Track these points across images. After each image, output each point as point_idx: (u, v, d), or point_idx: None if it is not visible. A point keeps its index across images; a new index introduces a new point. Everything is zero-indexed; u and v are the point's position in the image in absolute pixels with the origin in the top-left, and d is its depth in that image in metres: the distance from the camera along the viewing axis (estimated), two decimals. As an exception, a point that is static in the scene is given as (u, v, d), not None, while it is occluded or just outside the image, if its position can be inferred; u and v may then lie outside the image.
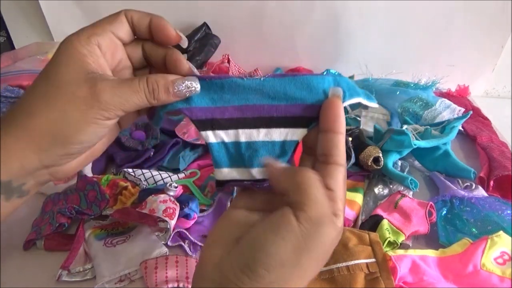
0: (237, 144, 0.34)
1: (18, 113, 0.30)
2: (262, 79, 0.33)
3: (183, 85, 0.32)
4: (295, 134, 0.34)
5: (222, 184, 0.34)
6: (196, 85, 0.32)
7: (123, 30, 0.33)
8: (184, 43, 0.35)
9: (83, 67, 0.30)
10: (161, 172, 0.72)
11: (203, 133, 0.34)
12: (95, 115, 0.29)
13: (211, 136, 0.34)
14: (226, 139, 0.34)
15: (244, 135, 0.34)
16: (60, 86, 0.29)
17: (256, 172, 0.33)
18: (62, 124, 0.29)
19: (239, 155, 0.34)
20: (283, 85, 0.33)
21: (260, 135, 0.34)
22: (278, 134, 0.34)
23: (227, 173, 0.34)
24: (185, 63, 0.34)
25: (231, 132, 0.34)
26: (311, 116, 0.33)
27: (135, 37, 0.35)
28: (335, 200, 0.29)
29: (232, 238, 0.30)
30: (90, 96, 0.29)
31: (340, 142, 0.31)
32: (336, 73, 1.05)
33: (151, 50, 0.35)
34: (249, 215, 0.33)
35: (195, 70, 0.34)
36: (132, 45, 0.35)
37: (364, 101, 0.35)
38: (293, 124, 0.33)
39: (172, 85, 0.32)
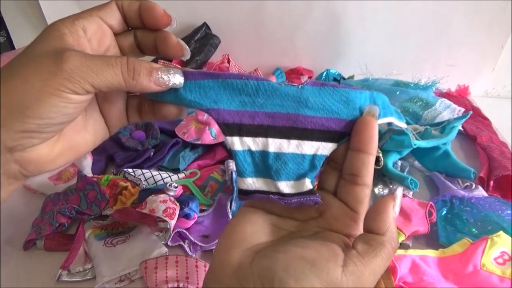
0: (264, 153, 0.32)
1: None
2: (300, 86, 0.31)
3: (167, 75, 0.29)
4: (326, 148, 0.32)
5: (246, 194, 0.32)
6: (180, 78, 0.30)
7: (113, 16, 0.31)
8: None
9: (59, 42, 0.28)
10: (161, 172, 0.72)
11: (229, 138, 0.32)
12: (57, 85, 0.26)
13: (237, 143, 0.32)
14: (254, 148, 0.32)
15: (274, 144, 0.32)
16: (28, 58, 0.27)
17: (283, 186, 0.31)
18: (20, 93, 0.26)
19: (266, 165, 0.32)
20: (322, 96, 0.31)
21: (290, 146, 0.31)
22: (309, 147, 0.32)
23: (251, 183, 0.32)
24: (174, 38, 0.32)
25: (260, 140, 0.32)
26: (344, 132, 0.31)
27: (129, 28, 0.33)
28: (358, 222, 0.30)
29: (255, 244, 0.29)
30: (55, 64, 0.26)
31: (370, 164, 0.30)
32: (336, 73, 1.05)
33: (142, 36, 0.33)
34: (276, 221, 0.31)
35: (187, 51, 0.32)
36: (124, 34, 0.33)
37: (396, 121, 0.34)
38: (326, 138, 0.31)
39: (156, 71, 0.29)
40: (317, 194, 0.31)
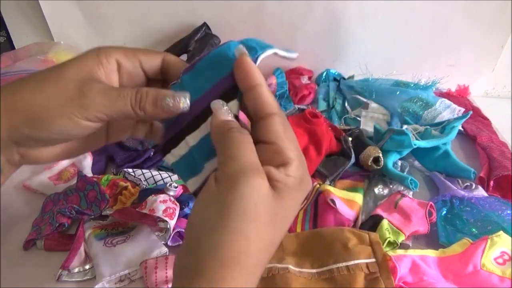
0: (190, 152, 0.33)
1: (10, 86, 0.30)
2: (179, 81, 0.32)
3: (172, 101, 0.30)
4: (232, 108, 0.31)
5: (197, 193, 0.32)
6: (186, 102, 0.31)
7: (152, 66, 0.33)
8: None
9: (89, 71, 0.30)
10: (161, 172, 0.72)
11: (165, 159, 0.34)
12: (73, 110, 0.29)
13: (171, 158, 0.34)
14: (182, 152, 0.33)
15: (192, 140, 0.32)
16: (57, 77, 0.30)
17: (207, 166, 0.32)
18: (38, 107, 0.29)
19: (194, 161, 0.33)
20: (197, 74, 0.32)
21: (201, 131, 0.32)
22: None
23: (193, 183, 0.33)
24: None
25: (182, 144, 0.33)
26: (233, 85, 0.31)
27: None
28: (280, 151, 0.28)
29: None
30: (76, 91, 0.29)
31: (262, 93, 0.29)
32: (336, 73, 1.05)
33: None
34: None
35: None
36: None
37: (280, 52, 0.34)
38: (225, 99, 0.31)
39: (162, 99, 0.30)
40: None
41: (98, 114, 0.29)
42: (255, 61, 0.31)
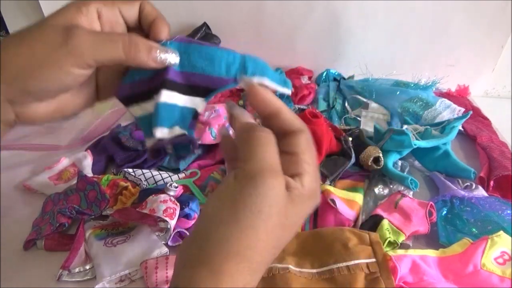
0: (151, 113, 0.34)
1: None
2: (169, 42, 0.33)
3: (166, 54, 0.31)
4: (193, 103, 0.34)
5: (154, 152, 0.34)
6: (176, 58, 0.32)
7: (131, 13, 0.33)
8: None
9: (71, 19, 0.30)
10: (161, 172, 0.72)
11: (131, 110, 0.35)
12: (62, 57, 0.28)
13: (138, 111, 0.34)
14: (150, 109, 0.34)
15: (158, 96, 0.33)
16: (40, 28, 0.29)
17: (157, 132, 0.33)
18: (27, 59, 0.28)
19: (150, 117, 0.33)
20: (188, 52, 0.33)
21: (162, 96, 0.33)
22: (179, 99, 0.34)
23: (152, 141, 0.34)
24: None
25: (149, 103, 0.34)
26: (208, 87, 0.33)
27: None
28: (298, 162, 0.29)
29: None
30: (62, 38, 0.28)
31: (282, 112, 0.31)
32: (336, 73, 1.06)
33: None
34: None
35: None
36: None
37: (273, 85, 0.34)
38: (192, 92, 0.33)
39: (155, 50, 0.31)
40: (195, 138, 0.34)
41: (87, 59, 0.29)
42: (236, 83, 0.33)
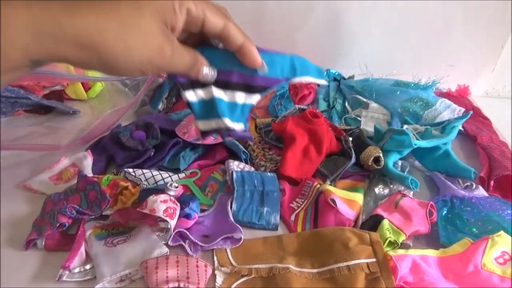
0: (211, 100, 0.40)
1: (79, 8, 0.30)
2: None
3: (210, 73, 0.37)
4: (252, 98, 0.41)
5: (206, 133, 0.42)
6: (215, 74, 0.38)
7: (212, 27, 0.36)
8: (264, 70, 0.39)
9: (164, 18, 0.32)
10: (161, 172, 0.72)
11: (186, 92, 0.40)
12: (154, 62, 0.32)
13: (191, 95, 0.40)
14: (204, 97, 0.40)
15: (215, 93, 0.40)
16: (138, 22, 0.31)
17: (227, 121, 0.41)
18: (120, 52, 0.31)
19: (212, 108, 0.40)
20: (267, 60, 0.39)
21: (226, 96, 0.40)
22: (239, 97, 0.40)
23: (205, 124, 0.41)
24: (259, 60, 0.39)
25: (205, 90, 0.40)
26: (267, 86, 0.40)
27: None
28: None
29: None
30: (159, 45, 0.32)
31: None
32: (336, 73, 1.06)
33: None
34: None
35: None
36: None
37: (313, 80, 0.42)
38: (253, 91, 0.40)
39: (207, 68, 0.37)
40: (249, 133, 0.43)
41: (164, 71, 0.34)
42: (287, 81, 0.41)
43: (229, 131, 0.41)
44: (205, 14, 0.35)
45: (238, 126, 0.41)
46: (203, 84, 0.40)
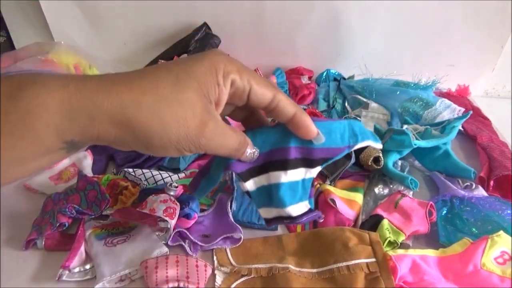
0: (269, 186, 0.37)
1: (116, 90, 0.28)
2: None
3: (253, 153, 0.35)
4: (313, 172, 0.37)
5: (269, 221, 0.38)
6: (257, 154, 0.36)
7: (258, 99, 0.33)
8: (321, 140, 0.36)
9: (207, 94, 0.30)
10: (161, 172, 0.72)
11: (245, 184, 0.37)
12: (187, 145, 0.30)
13: (250, 185, 0.37)
14: (263, 183, 0.37)
15: (273, 177, 0.36)
16: (177, 101, 0.29)
17: (289, 210, 0.37)
18: (154, 133, 0.29)
19: (271, 195, 0.37)
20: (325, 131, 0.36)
21: (286, 176, 0.36)
22: (299, 174, 0.37)
23: (266, 212, 0.38)
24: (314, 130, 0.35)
25: (263, 177, 0.37)
26: (327, 158, 0.37)
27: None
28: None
29: None
30: (196, 127, 0.29)
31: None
32: (336, 73, 1.06)
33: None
34: None
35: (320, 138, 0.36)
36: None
37: (372, 144, 0.39)
38: (312, 165, 0.37)
39: (250, 148, 0.34)
40: (318, 212, 0.38)
41: (203, 151, 0.31)
42: (349, 148, 0.37)
43: (292, 219, 0.37)
44: (251, 85, 0.32)
45: (301, 207, 0.37)
46: (260, 170, 0.37)
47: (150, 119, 0.28)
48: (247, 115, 0.38)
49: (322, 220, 0.63)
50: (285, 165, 0.36)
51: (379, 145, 0.40)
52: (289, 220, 0.37)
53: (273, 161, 0.36)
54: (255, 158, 0.36)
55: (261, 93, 0.33)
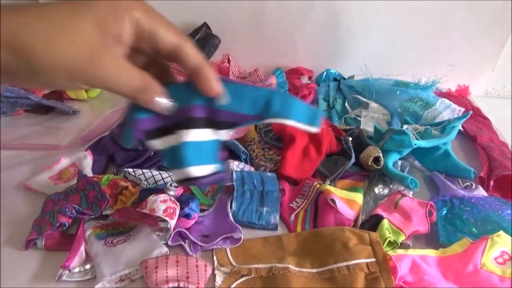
0: (176, 146, 0.35)
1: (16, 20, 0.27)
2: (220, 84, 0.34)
3: (168, 104, 0.32)
4: (219, 134, 0.36)
5: (181, 182, 0.36)
6: (172, 107, 0.33)
7: (166, 45, 0.32)
8: (223, 101, 0.34)
9: (104, 28, 0.29)
10: (161, 172, 0.72)
11: (153, 143, 0.35)
12: (81, 76, 0.29)
13: (157, 144, 0.36)
14: (169, 144, 0.35)
15: (179, 136, 0.34)
16: (71, 30, 0.28)
17: (192, 171, 0.35)
18: (49, 59, 0.27)
19: (177, 156, 0.35)
20: (233, 93, 0.34)
21: (190, 135, 0.34)
22: (206, 135, 0.35)
23: (177, 173, 0.36)
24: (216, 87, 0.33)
25: (173, 136, 0.35)
26: (235, 123, 0.35)
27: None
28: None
29: None
30: (90, 58, 0.28)
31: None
32: (336, 73, 1.06)
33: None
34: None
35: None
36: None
37: (296, 124, 0.35)
38: (218, 126, 0.35)
39: (159, 96, 0.32)
40: (224, 174, 0.36)
41: (102, 85, 0.30)
42: (260, 119, 0.35)
43: (197, 179, 0.35)
44: (157, 28, 0.31)
45: (207, 170, 0.35)
46: (168, 130, 0.35)
47: (42, 43, 0.27)
48: (160, 72, 0.35)
49: (227, 184, 0.65)
50: (189, 123, 0.34)
51: (309, 128, 0.36)
52: (194, 181, 0.35)
53: (180, 120, 0.34)
54: (171, 111, 0.33)
55: (167, 36, 0.31)
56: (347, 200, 0.65)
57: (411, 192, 0.68)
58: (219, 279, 0.55)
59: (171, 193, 0.61)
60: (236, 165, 0.72)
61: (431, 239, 0.61)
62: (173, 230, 0.58)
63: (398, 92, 0.89)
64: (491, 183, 0.69)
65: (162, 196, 0.59)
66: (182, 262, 0.54)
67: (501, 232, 0.55)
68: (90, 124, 0.89)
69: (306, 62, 1.10)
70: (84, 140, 0.85)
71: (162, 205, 0.57)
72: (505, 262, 0.53)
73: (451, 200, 0.65)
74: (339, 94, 0.98)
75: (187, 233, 0.59)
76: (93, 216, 0.62)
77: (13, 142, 0.85)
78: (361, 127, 0.86)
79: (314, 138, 0.75)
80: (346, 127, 0.84)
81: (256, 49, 1.10)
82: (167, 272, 0.53)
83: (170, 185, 0.62)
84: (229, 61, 1.07)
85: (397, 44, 1.04)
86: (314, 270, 0.55)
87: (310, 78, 1.07)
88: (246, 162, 0.76)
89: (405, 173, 0.72)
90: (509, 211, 0.61)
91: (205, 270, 0.55)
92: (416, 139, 0.74)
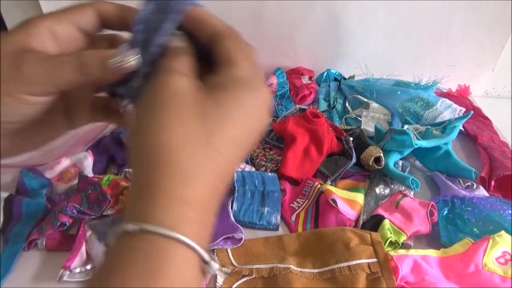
0: None
1: None
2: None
3: (121, 60, 0.27)
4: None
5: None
6: (136, 59, 0.28)
7: (88, 22, 0.30)
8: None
9: (20, 44, 0.27)
10: (162, 172, 0.72)
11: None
12: (11, 86, 0.26)
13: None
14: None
15: None
16: None
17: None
18: None
19: None
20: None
21: None
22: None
23: None
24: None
25: None
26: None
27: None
28: (223, 56, 0.29)
29: None
30: (13, 66, 0.26)
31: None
32: (337, 73, 1.06)
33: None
34: None
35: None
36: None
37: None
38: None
39: (108, 59, 0.27)
40: None
41: (41, 86, 0.27)
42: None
43: None
44: (68, 17, 0.29)
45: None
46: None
47: None
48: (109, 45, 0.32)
49: None
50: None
51: None
52: None
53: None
54: (134, 67, 0.28)
55: (83, 14, 0.30)
56: (348, 200, 0.65)
57: (412, 192, 0.68)
58: (220, 280, 0.55)
59: (172, 193, 0.61)
60: (237, 165, 0.72)
61: (432, 239, 0.61)
62: (174, 231, 0.58)
63: (398, 92, 0.89)
64: (492, 183, 0.69)
65: (163, 197, 0.59)
66: (183, 262, 0.54)
67: (503, 232, 0.55)
68: (90, 124, 0.89)
69: (306, 62, 1.10)
70: (84, 140, 0.85)
71: (163, 205, 0.57)
72: (507, 262, 0.53)
73: (452, 200, 0.65)
74: (339, 94, 0.98)
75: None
76: (94, 216, 0.62)
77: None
78: (362, 127, 0.86)
79: (315, 138, 0.75)
80: (347, 127, 0.84)
81: (256, 49, 1.10)
82: (168, 273, 0.52)
83: (171, 185, 0.62)
84: (229, 61, 1.07)
85: (397, 44, 1.04)
86: (315, 271, 0.55)
87: (310, 78, 1.07)
88: (246, 162, 0.76)
89: (406, 173, 0.72)
90: (510, 211, 0.61)
91: (206, 271, 0.55)
92: (417, 139, 0.74)
